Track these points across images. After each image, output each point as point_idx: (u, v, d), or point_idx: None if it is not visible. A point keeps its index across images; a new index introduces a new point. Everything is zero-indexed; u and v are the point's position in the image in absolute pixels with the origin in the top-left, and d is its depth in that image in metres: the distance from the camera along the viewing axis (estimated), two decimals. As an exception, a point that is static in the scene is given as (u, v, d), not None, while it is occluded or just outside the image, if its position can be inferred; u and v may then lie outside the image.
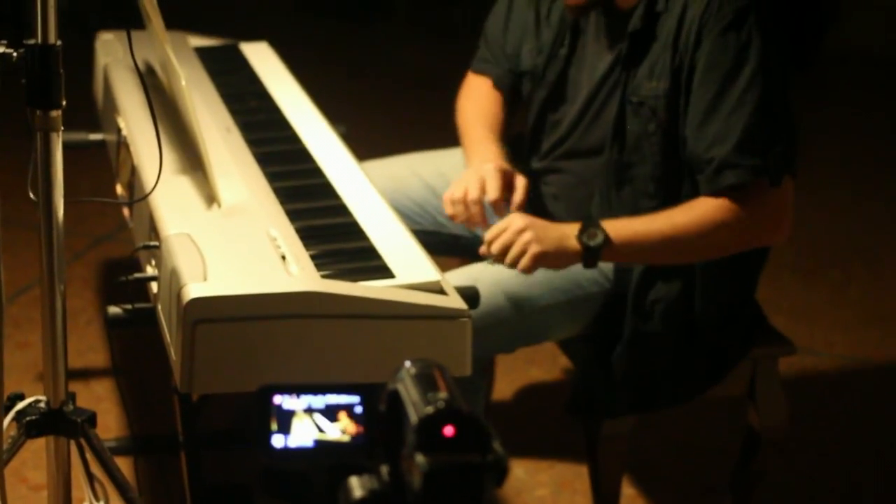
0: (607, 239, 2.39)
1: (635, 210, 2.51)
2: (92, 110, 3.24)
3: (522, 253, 2.37)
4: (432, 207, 2.85)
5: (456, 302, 2.03)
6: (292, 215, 2.25)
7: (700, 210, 2.42)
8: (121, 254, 4.21)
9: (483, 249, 2.42)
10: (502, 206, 2.51)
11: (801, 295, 4.15)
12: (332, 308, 1.93)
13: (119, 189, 2.71)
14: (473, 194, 2.49)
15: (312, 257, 2.08)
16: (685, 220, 2.41)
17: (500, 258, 2.39)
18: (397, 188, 2.84)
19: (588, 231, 2.39)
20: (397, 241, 2.21)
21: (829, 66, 6.93)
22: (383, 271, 2.08)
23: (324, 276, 2.01)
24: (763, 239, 2.50)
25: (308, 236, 2.17)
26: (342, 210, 2.32)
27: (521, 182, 2.57)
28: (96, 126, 3.15)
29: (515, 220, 2.40)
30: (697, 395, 2.64)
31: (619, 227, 2.41)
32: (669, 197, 2.49)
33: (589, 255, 2.40)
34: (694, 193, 2.45)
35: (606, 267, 2.55)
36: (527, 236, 2.37)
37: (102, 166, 3.15)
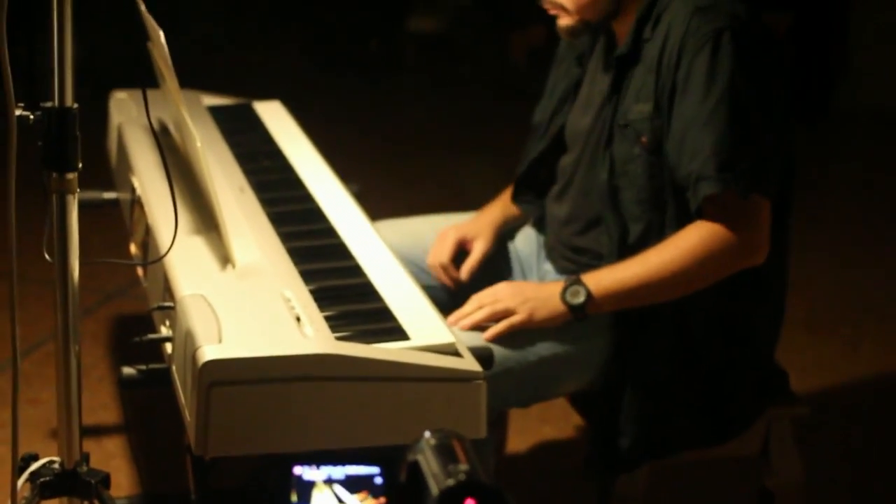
0: (590, 295, 2.46)
1: (624, 234, 2.55)
2: (104, 166, 3.25)
3: (497, 319, 2.48)
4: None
5: (470, 364, 2.03)
6: (306, 276, 2.25)
7: (673, 244, 2.46)
8: (132, 310, 4.22)
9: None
10: (450, 269, 2.83)
11: (814, 352, 4.13)
12: (347, 370, 1.93)
13: (133, 248, 2.71)
14: (429, 259, 2.86)
15: (327, 319, 2.08)
16: (660, 259, 2.45)
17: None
18: (415, 243, 2.90)
19: (570, 289, 2.47)
20: (411, 302, 2.22)
21: (839, 123, 6.95)
22: (398, 333, 2.08)
23: (338, 338, 2.01)
24: (739, 258, 2.48)
25: (322, 297, 2.17)
26: (356, 271, 2.33)
27: (476, 248, 2.86)
28: (108, 182, 3.16)
29: (500, 291, 2.52)
30: (712, 442, 2.63)
31: (600, 279, 2.48)
32: (654, 221, 2.53)
33: (576, 313, 2.48)
34: (677, 217, 2.49)
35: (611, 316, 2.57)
36: (509, 304, 2.48)
37: (114, 222, 3.15)
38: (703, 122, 2.40)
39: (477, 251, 2.86)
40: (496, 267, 2.88)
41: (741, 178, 2.39)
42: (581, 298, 2.46)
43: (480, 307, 2.49)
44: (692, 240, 2.44)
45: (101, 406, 3.55)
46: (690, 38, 2.43)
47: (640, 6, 2.53)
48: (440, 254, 2.85)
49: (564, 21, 2.59)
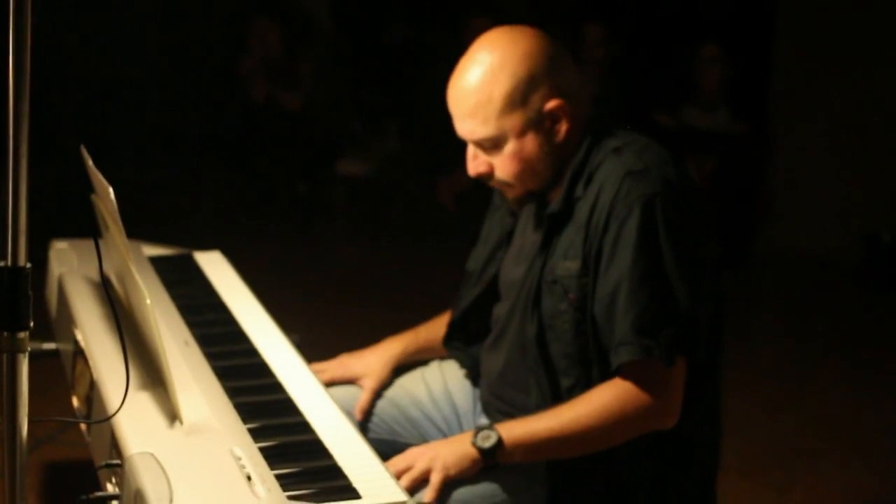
0: (500, 440, 2.47)
1: (556, 389, 2.59)
2: (42, 315, 3.22)
3: (418, 481, 2.48)
4: (388, 416, 2.90)
5: (422, 522, 2.03)
6: (255, 433, 2.24)
7: (587, 400, 2.50)
8: (62, 457, 4.16)
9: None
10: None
11: (747, 499, 4.16)
12: (301, 531, 1.92)
13: (75, 401, 2.69)
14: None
15: (278, 477, 2.07)
16: (573, 413, 2.49)
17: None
18: (354, 393, 2.93)
19: (481, 434, 2.50)
20: (361, 459, 2.22)
21: (763, 266, 7.07)
22: (349, 492, 2.08)
23: (290, 498, 2.00)
24: (649, 422, 2.52)
25: (272, 455, 2.16)
26: (304, 427, 2.33)
27: (367, 387, 2.92)
28: (46, 329, 3.12)
29: (410, 454, 2.52)
30: None
31: (512, 429, 2.50)
32: (581, 375, 2.56)
33: (486, 458, 2.49)
34: (603, 373, 2.52)
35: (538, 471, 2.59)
36: (422, 466, 2.48)
37: (48, 370, 3.11)
38: (630, 288, 2.45)
39: (367, 391, 2.90)
40: (435, 420, 2.90)
41: (663, 345, 2.44)
42: (492, 442, 2.47)
43: (398, 476, 2.48)
44: (606, 399, 2.48)
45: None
46: (620, 201, 2.48)
47: (573, 165, 2.59)
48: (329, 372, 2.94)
49: (511, 194, 2.66)
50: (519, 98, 2.54)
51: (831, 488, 4.31)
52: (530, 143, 2.56)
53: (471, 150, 2.63)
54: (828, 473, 4.43)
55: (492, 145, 2.57)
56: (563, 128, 2.57)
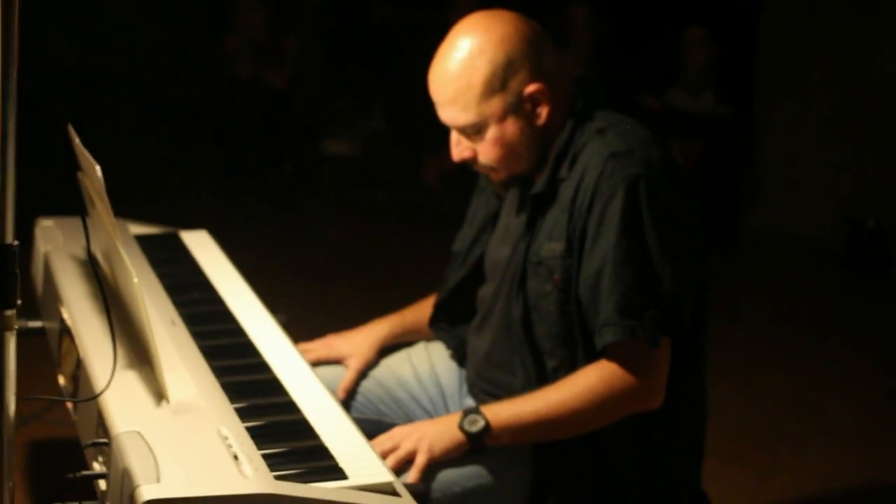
0: (488, 425, 2.48)
1: (542, 370, 2.60)
2: (28, 293, 3.22)
3: (403, 461, 2.48)
4: (374, 397, 2.90)
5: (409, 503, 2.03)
6: (242, 413, 2.24)
7: (573, 382, 2.51)
8: (46, 436, 4.15)
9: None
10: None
11: (730, 483, 4.17)
12: (288, 511, 1.93)
13: (61, 380, 2.69)
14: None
15: (264, 457, 2.07)
16: (559, 396, 2.50)
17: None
18: (339, 373, 2.94)
19: (469, 418, 2.51)
20: (348, 439, 2.22)
21: (748, 249, 7.08)
22: (336, 472, 2.09)
23: (277, 478, 2.00)
24: (635, 403, 2.53)
25: (259, 435, 2.16)
26: (291, 407, 2.33)
27: (351, 367, 2.93)
28: (32, 307, 3.11)
29: (396, 435, 2.52)
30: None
31: (499, 412, 2.51)
32: (566, 356, 2.58)
33: (473, 441, 2.50)
34: (588, 354, 2.54)
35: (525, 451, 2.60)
36: (408, 447, 2.49)
37: (34, 348, 3.10)
38: (614, 269, 2.46)
39: (352, 370, 2.92)
40: (421, 400, 2.91)
41: (647, 326, 2.45)
42: (479, 426, 2.49)
43: (383, 456, 2.48)
44: (592, 381, 2.49)
45: (19, 537, 3.49)
46: (604, 182, 2.49)
47: (557, 146, 2.59)
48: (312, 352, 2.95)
49: (496, 177, 2.67)
50: (498, 83, 2.54)
51: (814, 472, 4.33)
52: (511, 127, 2.57)
53: (454, 136, 2.63)
54: (811, 457, 4.45)
55: (474, 131, 2.58)
56: (545, 111, 2.57)
